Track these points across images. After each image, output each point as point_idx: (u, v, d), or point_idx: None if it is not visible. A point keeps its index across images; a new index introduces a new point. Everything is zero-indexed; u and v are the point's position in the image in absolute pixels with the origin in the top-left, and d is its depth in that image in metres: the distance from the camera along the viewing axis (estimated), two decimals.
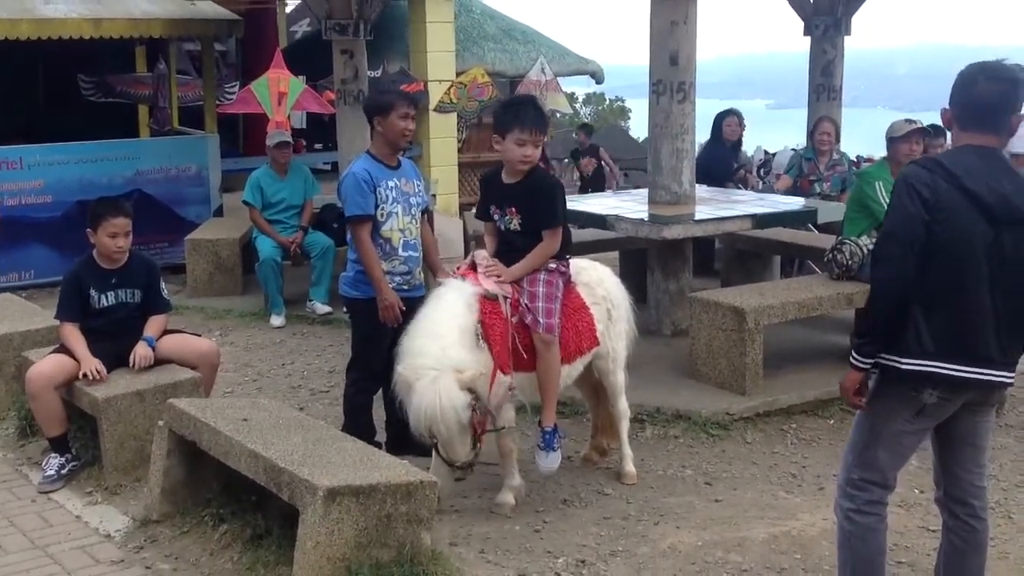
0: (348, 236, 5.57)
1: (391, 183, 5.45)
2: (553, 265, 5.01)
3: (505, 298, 4.88)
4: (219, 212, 11.10)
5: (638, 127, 34.80)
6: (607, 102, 47.47)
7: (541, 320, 4.86)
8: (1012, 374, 3.66)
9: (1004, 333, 3.57)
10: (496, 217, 5.07)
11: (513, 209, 5.00)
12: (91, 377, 5.42)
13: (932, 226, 3.49)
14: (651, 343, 7.09)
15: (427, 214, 5.85)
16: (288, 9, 17.40)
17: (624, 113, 46.60)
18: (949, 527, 3.88)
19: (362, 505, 4.06)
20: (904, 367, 3.57)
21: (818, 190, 9.25)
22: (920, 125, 7.14)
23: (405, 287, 5.47)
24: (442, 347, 4.60)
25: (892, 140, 7.01)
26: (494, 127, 5.04)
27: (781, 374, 6.74)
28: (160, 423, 4.95)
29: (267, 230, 9.03)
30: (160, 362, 5.69)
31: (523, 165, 4.95)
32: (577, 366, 5.18)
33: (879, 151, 10.81)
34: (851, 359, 3.69)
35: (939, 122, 3.87)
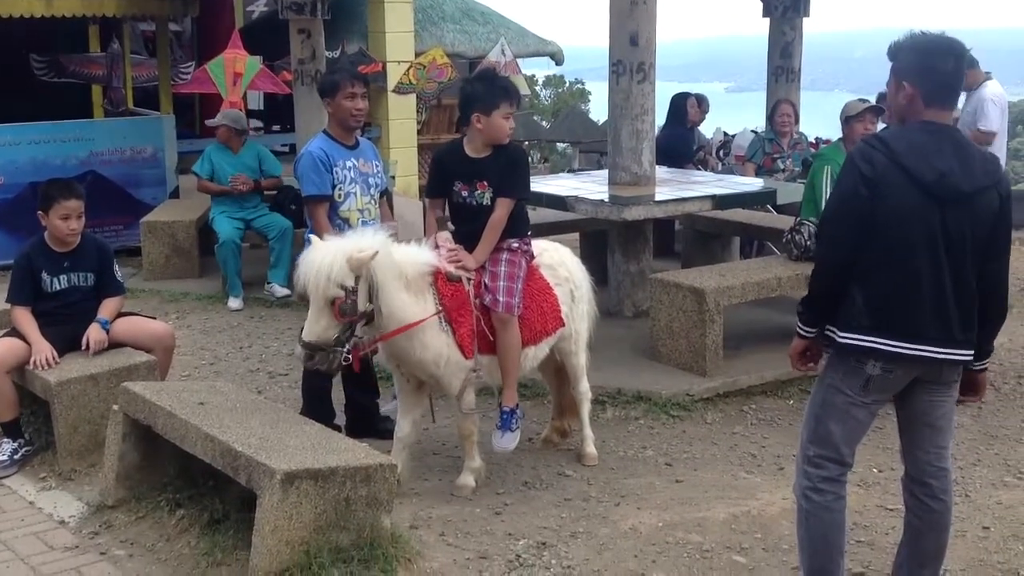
0: (306, 217, 5.51)
1: (348, 163, 5.39)
2: (516, 244, 4.98)
3: (468, 280, 4.84)
4: (175, 194, 10.96)
5: (598, 110, 34.81)
6: (567, 84, 47.39)
7: (501, 299, 4.83)
8: (964, 352, 3.63)
9: (955, 311, 3.56)
10: (464, 193, 5.01)
11: (484, 183, 4.95)
12: (42, 366, 5.33)
13: (872, 201, 3.51)
14: (612, 324, 7.09)
15: (386, 196, 5.80)
16: None
17: (584, 95, 46.53)
18: (909, 507, 3.90)
19: (321, 488, 4.01)
20: (840, 340, 3.62)
21: (781, 167, 9.30)
22: (873, 104, 7.19)
23: None
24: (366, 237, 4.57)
25: (847, 120, 7.05)
26: (472, 105, 4.92)
27: (741, 355, 6.77)
28: (115, 407, 4.86)
29: (214, 190, 8.98)
30: (114, 345, 5.61)
31: (508, 138, 4.95)
32: (543, 347, 5.16)
33: (837, 133, 10.88)
34: (796, 327, 3.80)
35: None
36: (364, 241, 4.50)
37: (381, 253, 4.46)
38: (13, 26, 10.27)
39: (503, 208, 4.93)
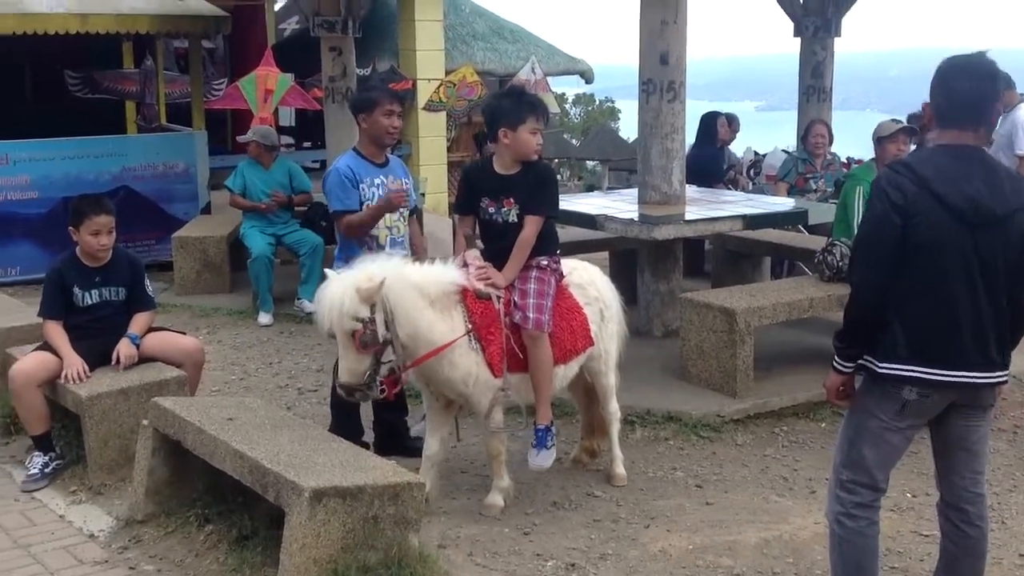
0: (336, 233, 5.53)
1: (376, 180, 5.40)
2: (545, 262, 4.96)
3: (498, 298, 4.83)
4: (207, 209, 11.02)
5: (627, 128, 34.79)
6: (596, 102, 47.42)
7: (531, 315, 4.81)
8: (1001, 375, 3.60)
9: (991, 334, 3.52)
10: (491, 210, 4.99)
11: (511, 200, 4.94)
12: (73, 380, 5.36)
13: (905, 229, 3.47)
14: (641, 344, 7.05)
15: (417, 214, 5.80)
16: (277, 6, 17.31)
17: (614, 113, 46.53)
18: (944, 532, 3.85)
19: (349, 506, 4.01)
20: (879, 370, 3.57)
21: (813, 187, 9.25)
22: (906, 124, 7.14)
23: None
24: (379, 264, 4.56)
25: (880, 140, 7.00)
26: (499, 119, 4.92)
27: (772, 376, 6.71)
28: (144, 422, 4.88)
29: (248, 206, 9.03)
30: (144, 360, 5.63)
31: (536, 154, 4.94)
32: (573, 366, 5.13)
33: (869, 153, 10.81)
34: (833, 362, 3.73)
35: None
36: (374, 268, 4.49)
37: (390, 279, 4.45)
38: (48, 43, 10.39)
39: (532, 226, 4.91)
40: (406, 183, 5.58)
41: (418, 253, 5.66)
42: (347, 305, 4.36)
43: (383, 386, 4.55)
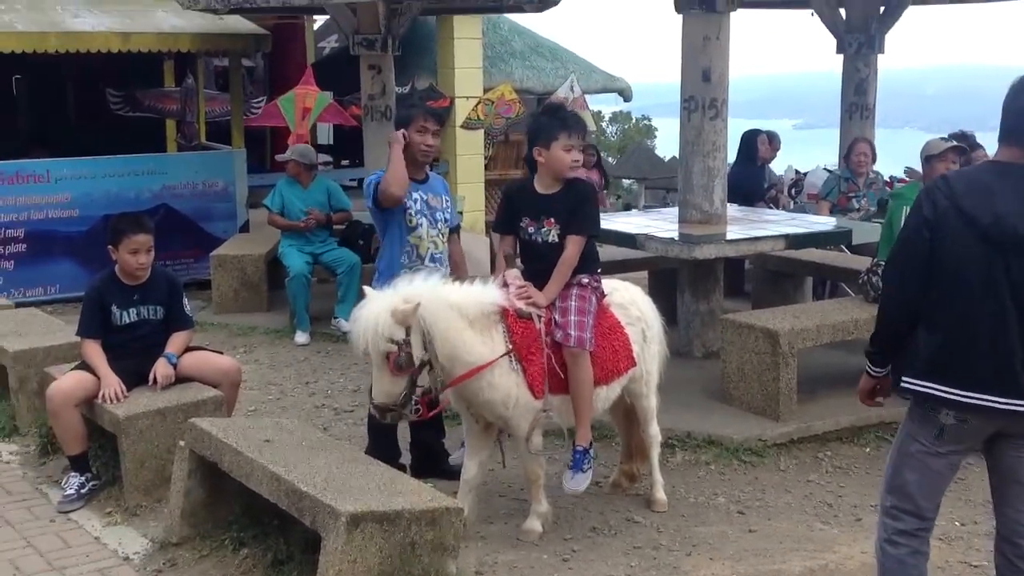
0: (374, 252, 5.49)
1: (416, 195, 5.36)
2: (586, 280, 4.89)
3: (539, 317, 4.75)
4: (245, 228, 11.05)
5: (664, 146, 34.67)
6: (633, 121, 47.34)
7: (572, 333, 4.73)
8: None
9: (1021, 361, 3.38)
10: (531, 230, 4.93)
11: (552, 220, 4.88)
12: (110, 400, 5.34)
13: (932, 243, 3.41)
14: (681, 365, 6.94)
15: (456, 232, 5.75)
16: (316, 25, 17.41)
17: (650, 132, 46.43)
18: (998, 567, 3.72)
19: (386, 532, 3.94)
20: (903, 383, 3.54)
21: (856, 206, 9.11)
22: (955, 143, 7.00)
23: None
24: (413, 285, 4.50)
25: (928, 159, 6.86)
26: (534, 138, 4.90)
27: (815, 399, 6.58)
28: (181, 443, 4.85)
29: (286, 225, 9.03)
30: (182, 380, 5.60)
31: (572, 172, 4.88)
32: (615, 387, 5.04)
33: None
34: (866, 366, 3.76)
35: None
36: (411, 290, 4.44)
37: (427, 300, 4.40)
38: (90, 61, 10.47)
39: (574, 246, 4.85)
40: (446, 200, 5.53)
41: (459, 271, 5.61)
42: (382, 327, 4.31)
43: (419, 406, 4.49)
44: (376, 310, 4.35)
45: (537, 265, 4.93)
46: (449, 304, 4.53)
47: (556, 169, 4.86)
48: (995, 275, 3.36)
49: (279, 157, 9.67)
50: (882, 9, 10.16)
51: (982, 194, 3.38)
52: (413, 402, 4.46)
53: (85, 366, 5.54)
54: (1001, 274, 3.36)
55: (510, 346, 4.66)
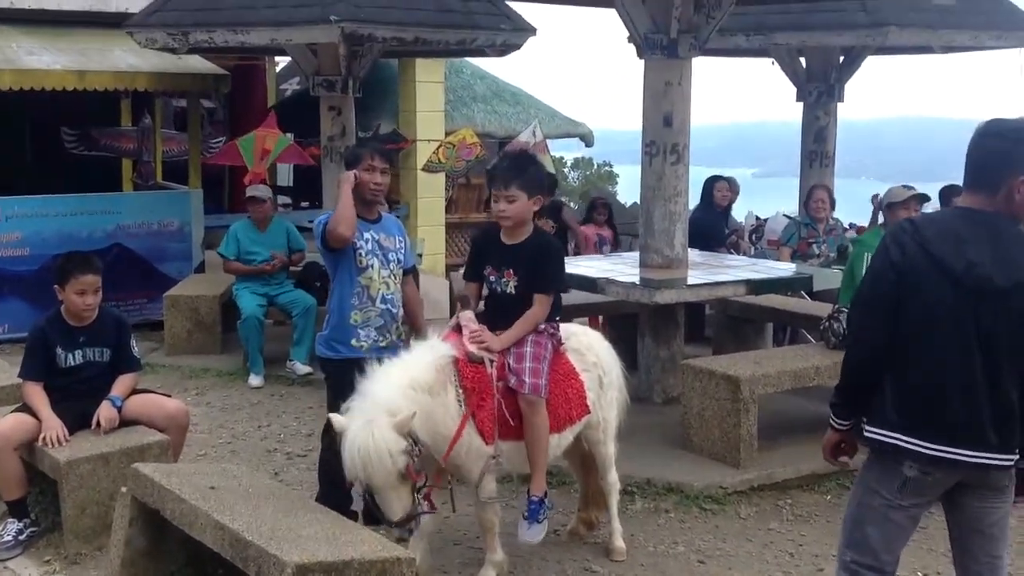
0: (329, 293, 5.38)
1: (367, 235, 5.27)
2: (543, 327, 4.79)
3: (491, 362, 4.65)
4: (200, 268, 10.88)
5: (625, 192, 34.83)
6: (595, 166, 47.60)
7: (527, 380, 4.62)
8: (1003, 456, 3.35)
9: (987, 413, 3.32)
10: (492, 279, 4.87)
11: (511, 271, 4.80)
12: (51, 444, 5.15)
13: (899, 289, 3.34)
14: (641, 411, 6.82)
15: (413, 274, 5.65)
16: (279, 68, 17.36)
17: (612, 178, 46.70)
18: None
19: None
20: (867, 434, 3.45)
21: (816, 252, 9.13)
22: (917, 191, 7.02)
23: (381, 342, 5.25)
24: (381, 392, 4.33)
25: (891, 206, 6.88)
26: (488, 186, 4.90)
27: (775, 446, 6.51)
28: (123, 489, 4.67)
29: (244, 270, 8.87)
30: (127, 423, 5.43)
31: (502, 221, 4.80)
32: (567, 435, 4.93)
33: (866, 220, 10.74)
34: (830, 418, 3.65)
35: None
36: (380, 400, 4.26)
37: (392, 399, 4.27)
38: (45, 99, 10.31)
39: (540, 306, 4.76)
40: (399, 240, 5.44)
41: (415, 314, 5.51)
42: (392, 446, 4.14)
43: (427, 502, 4.41)
44: (373, 434, 4.13)
45: (498, 314, 4.85)
46: (409, 386, 4.39)
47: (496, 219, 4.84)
48: (965, 324, 3.29)
49: (251, 191, 9.37)
50: (842, 59, 10.26)
51: (952, 241, 3.32)
52: (420, 498, 4.35)
53: (27, 408, 5.35)
54: (971, 323, 3.29)
55: (460, 392, 4.55)
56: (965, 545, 3.58)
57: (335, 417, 4.33)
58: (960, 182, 3.54)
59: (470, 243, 5.19)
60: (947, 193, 8.57)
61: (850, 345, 3.60)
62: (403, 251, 5.44)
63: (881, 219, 7.83)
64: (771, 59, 10.50)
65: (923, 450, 3.35)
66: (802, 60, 10.44)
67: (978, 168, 3.40)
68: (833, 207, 9.58)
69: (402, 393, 4.33)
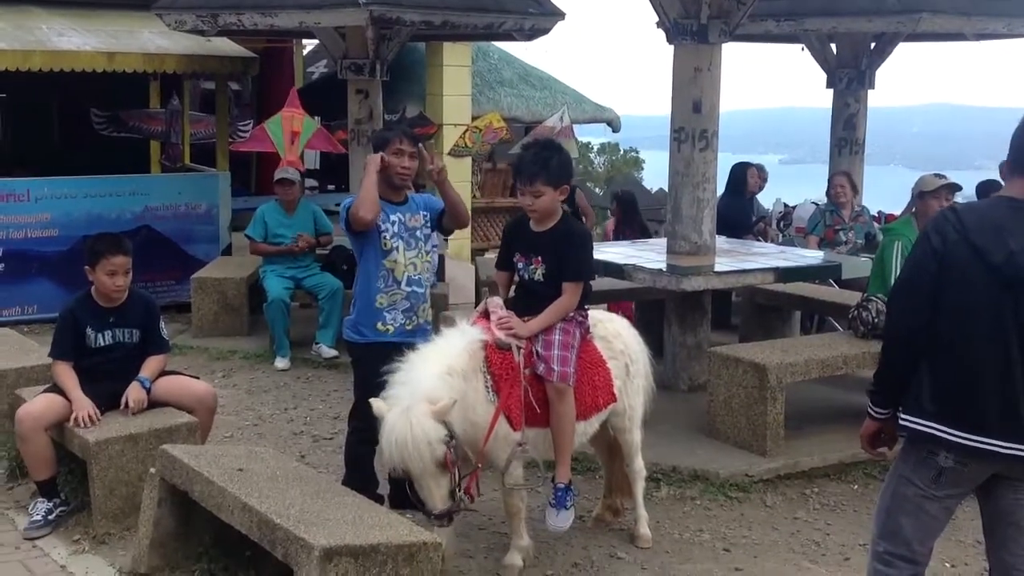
0: (356, 276, 5.38)
1: (393, 217, 5.26)
2: (571, 314, 4.78)
3: (519, 348, 4.64)
4: (228, 251, 10.92)
5: (651, 178, 34.73)
6: (621, 152, 47.46)
7: (555, 368, 4.61)
8: None
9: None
10: (521, 266, 4.87)
11: (539, 258, 4.79)
12: (82, 424, 5.19)
13: (939, 276, 3.31)
14: (667, 398, 6.82)
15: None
16: (306, 51, 17.35)
17: (638, 163, 46.56)
18: None
19: (361, 567, 3.80)
20: (902, 422, 3.42)
21: (843, 239, 9.07)
22: (949, 180, 6.94)
23: (408, 325, 5.25)
24: (421, 379, 4.32)
25: (922, 195, 6.79)
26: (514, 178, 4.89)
27: (802, 435, 6.48)
28: (151, 470, 4.70)
29: (270, 251, 8.89)
30: (156, 405, 5.46)
31: (530, 214, 4.80)
32: (593, 423, 4.93)
33: (897, 208, 10.65)
34: (868, 407, 3.62)
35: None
36: (420, 387, 4.25)
37: (432, 387, 4.26)
38: (75, 81, 10.36)
39: (570, 294, 4.74)
40: (424, 216, 5.41)
41: (455, 209, 5.42)
42: (431, 435, 4.14)
43: (468, 495, 4.39)
44: (410, 423, 4.12)
45: (527, 301, 4.84)
46: (447, 372, 4.39)
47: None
48: (1003, 314, 3.26)
49: (278, 174, 9.35)
50: (872, 45, 10.15)
51: (994, 230, 3.28)
52: (462, 488, 4.32)
53: (56, 389, 5.39)
54: (1009, 313, 3.26)
55: (488, 378, 4.55)
56: (999, 537, 3.55)
57: (375, 402, 4.33)
58: (992, 174, 3.50)
59: (504, 231, 5.17)
60: (984, 189, 8.47)
61: (888, 330, 3.58)
62: (428, 225, 5.42)
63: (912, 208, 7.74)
64: (801, 45, 10.40)
65: (959, 440, 3.32)
66: (832, 46, 10.34)
67: (1018, 156, 3.36)
68: (856, 192, 9.50)
69: (441, 380, 4.33)
